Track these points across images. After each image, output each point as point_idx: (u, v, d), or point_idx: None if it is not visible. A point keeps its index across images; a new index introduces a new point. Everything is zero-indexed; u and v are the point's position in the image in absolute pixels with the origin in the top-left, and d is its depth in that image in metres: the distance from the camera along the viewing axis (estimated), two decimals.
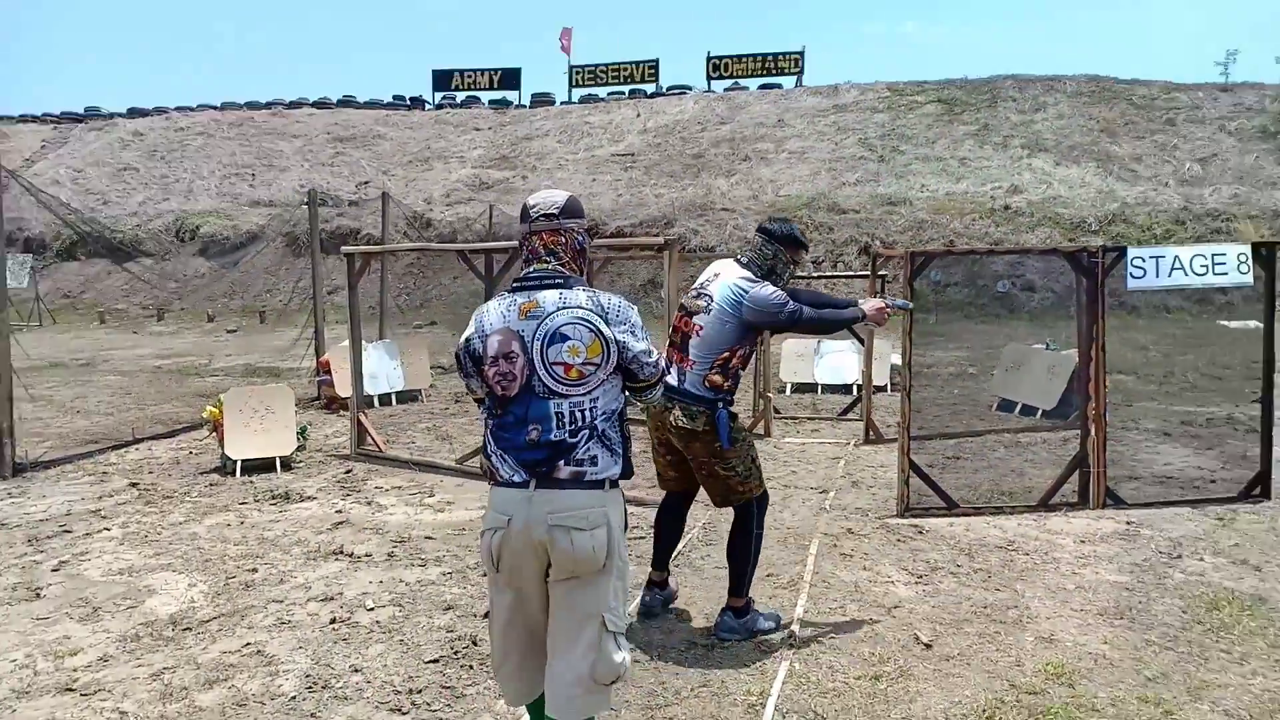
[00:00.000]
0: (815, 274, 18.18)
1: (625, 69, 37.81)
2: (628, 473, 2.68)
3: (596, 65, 38.18)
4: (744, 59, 36.78)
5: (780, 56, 36.77)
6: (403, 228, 21.89)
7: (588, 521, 2.52)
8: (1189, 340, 14.00)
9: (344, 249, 8.08)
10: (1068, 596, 4.23)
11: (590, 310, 2.57)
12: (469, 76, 39.25)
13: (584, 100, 37.26)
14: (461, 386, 11.17)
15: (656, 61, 37.49)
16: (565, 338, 2.53)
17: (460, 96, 38.73)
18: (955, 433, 8.08)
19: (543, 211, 2.69)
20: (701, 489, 4.01)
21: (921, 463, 5.74)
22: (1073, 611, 4.06)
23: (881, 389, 9.53)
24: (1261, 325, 5.88)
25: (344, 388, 9.68)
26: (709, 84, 36.66)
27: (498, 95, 38.80)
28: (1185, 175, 25.72)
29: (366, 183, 26.92)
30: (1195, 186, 24.38)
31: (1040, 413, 8.62)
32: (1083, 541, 5.02)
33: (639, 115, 33.41)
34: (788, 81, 36.25)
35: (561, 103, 37.52)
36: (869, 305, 4.02)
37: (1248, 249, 5.59)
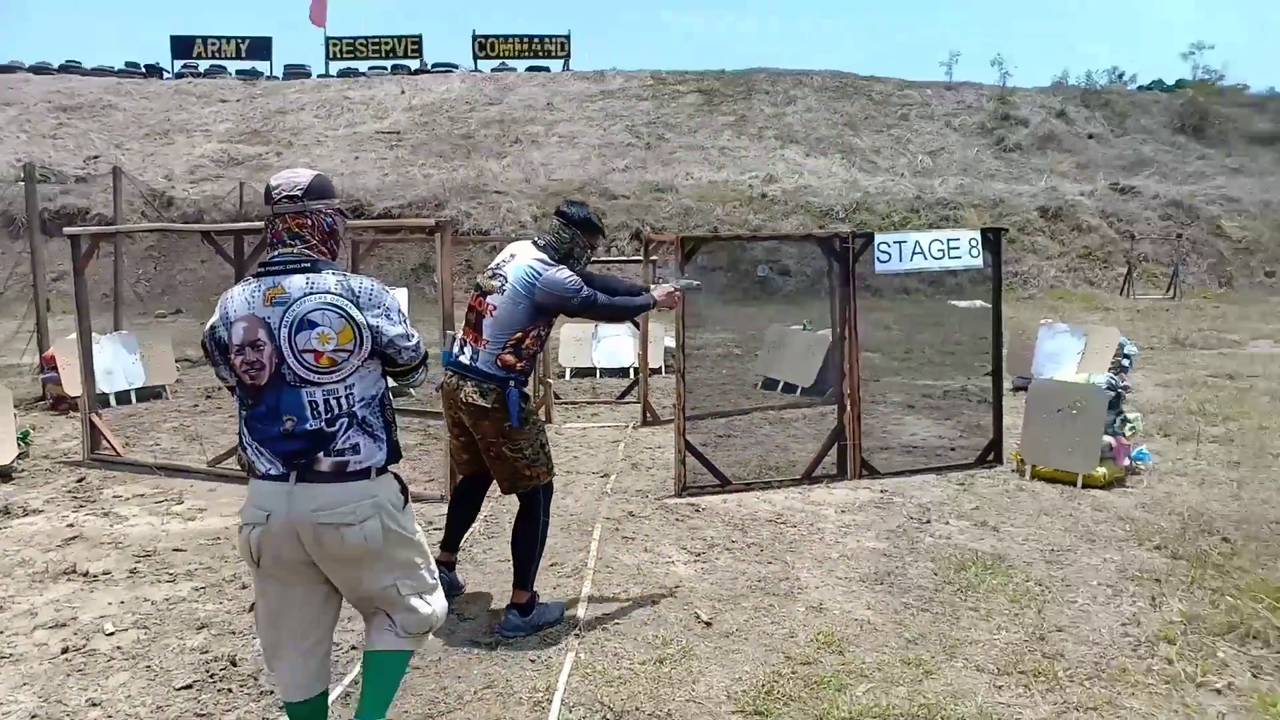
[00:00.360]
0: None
1: (387, 43, 36.37)
2: (394, 456, 2.63)
3: (356, 38, 36.45)
4: (510, 39, 36.37)
5: (547, 39, 36.65)
6: (139, 206, 19.92)
7: (355, 515, 2.48)
8: (926, 319, 15.31)
9: (67, 230, 7.20)
10: (833, 565, 4.47)
11: (340, 295, 2.51)
12: (213, 44, 36.35)
13: (343, 74, 35.49)
14: (213, 380, 10.35)
15: (420, 37, 36.33)
16: (314, 324, 2.47)
17: (204, 66, 35.81)
18: (725, 412, 8.39)
19: (285, 193, 2.58)
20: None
21: (696, 442, 5.89)
22: (838, 580, 4.30)
23: (656, 371, 9.72)
24: (990, 305, 6.48)
25: (73, 385, 8.66)
26: (475, 63, 35.99)
27: (246, 65, 36.19)
28: (918, 167, 28.13)
29: (96, 157, 24.28)
30: (926, 177, 26.70)
31: (800, 389, 9.12)
32: (843, 511, 5.33)
33: (403, 92, 32.27)
34: (555, 65, 36.24)
35: (318, 75, 35.55)
36: (659, 291, 4.14)
37: (978, 234, 6.14)
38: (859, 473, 5.94)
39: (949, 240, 6.07)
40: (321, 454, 2.47)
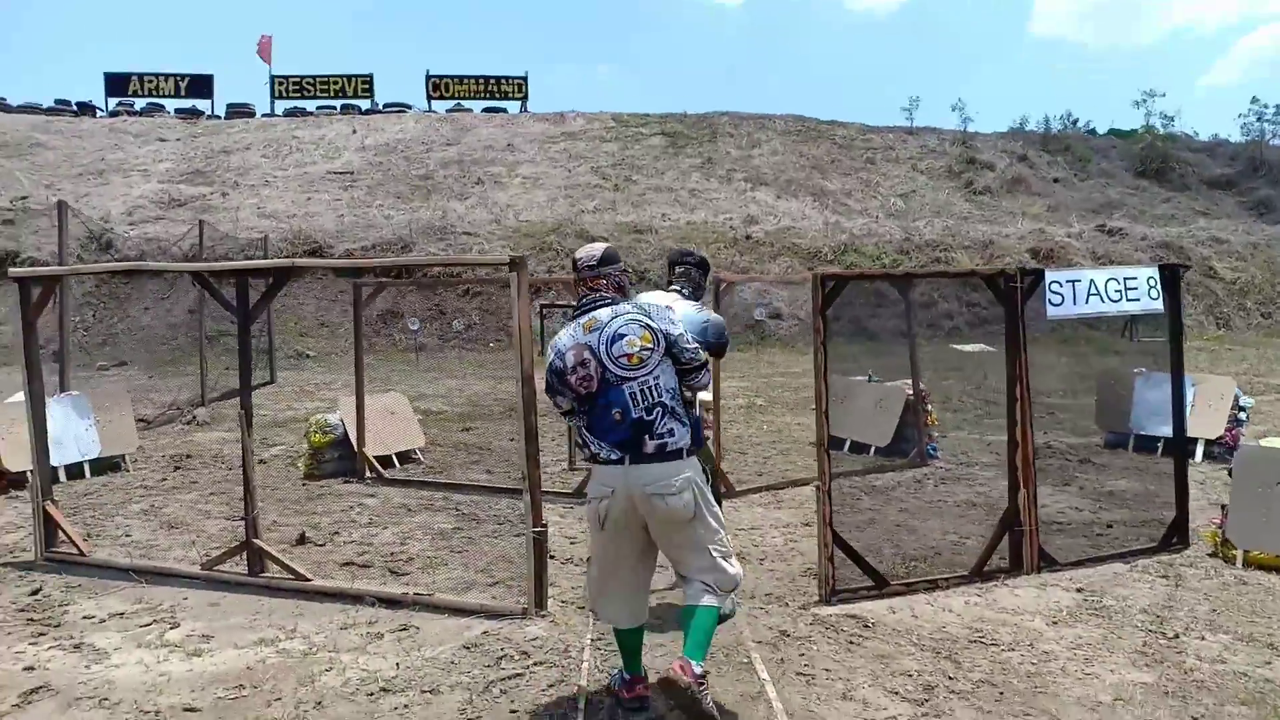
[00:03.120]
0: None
1: (336, 82, 35.03)
2: (698, 440, 3.38)
3: (303, 77, 35.08)
4: (466, 80, 35.39)
5: (504, 80, 35.73)
6: (75, 249, 18.18)
7: (674, 487, 3.22)
8: (987, 364, 14.42)
9: (13, 272, 5.81)
10: (1115, 714, 3.31)
11: (636, 312, 3.36)
12: (150, 81, 34.64)
13: (290, 113, 34.02)
14: (181, 447, 8.87)
15: (371, 76, 35.09)
16: (623, 335, 3.29)
17: (140, 104, 34.00)
18: (798, 480, 7.21)
19: (586, 263, 3.47)
20: None
21: (784, 520, 4.71)
22: None
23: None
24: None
25: (14, 459, 7.17)
26: (429, 103, 34.84)
27: (186, 104, 34.50)
28: (892, 209, 27.65)
29: (24, 198, 22.38)
30: (901, 219, 26.18)
31: (873, 449, 8.02)
32: (1055, 623, 4.18)
33: (355, 132, 30.94)
34: (512, 106, 35.27)
35: (263, 115, 34.02)
36: None
37: (1155, 272, 5.14)
38: (1036, 564, 4.81)
39: (1125, 279, 5.05)
40: (646, 437, 3.21)
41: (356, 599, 4.62)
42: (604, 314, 3.33)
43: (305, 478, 7.60)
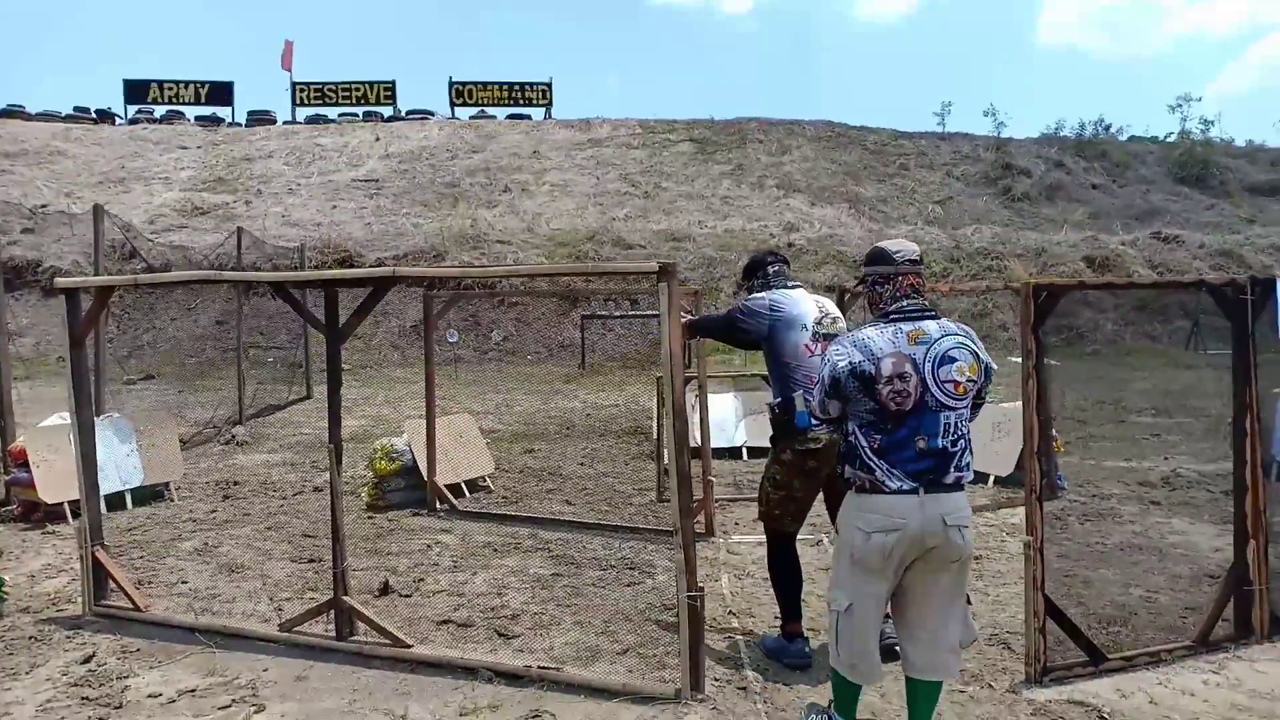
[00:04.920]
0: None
1: (358, 89, 34.56)
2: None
3: (325, 84, 34.63)
4: (490, 86, 34.86)
5: (528, 86, 35.17)
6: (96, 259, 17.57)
7: (970, 520, 3.00)
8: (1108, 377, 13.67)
9: (60, 282, 5.11)
10: None
11: (964, 336, 3.01)
12: (170, 89, 34.22)
13: (311, 120, 33.50)
14: (227, 473, 8.15)
15: (393, 83, 34.56)
16: (953, 359, 2.94)
17: (160, 111, 33.54)
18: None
19: (907, 256, 3.11)
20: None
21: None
22: None
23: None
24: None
25: (50, 490, 6.51)
26: (452, 110, 34.31)
27: (206, 111, 34.09)
28: (930, 216, 26.89)
29: (44, 206, 21.84)
30: (942, 226, 25.44)
31: (991, 479, 7.28)
32: None
33: (378, 139, 30.38)
34: (536, 112, 34.71)
35: (284, 122, 33.51)
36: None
37: None
38: (1266, 631, 4.07)
39: None
40: (951, 468, 2.94)
41: (469, 671, 3.91)
42: (932, 328, 2.97)
43: (369, 508, 6.90)
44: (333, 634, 4.25)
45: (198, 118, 33.49)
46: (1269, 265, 20.90)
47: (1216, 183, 30.82)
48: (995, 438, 7.32)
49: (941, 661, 3.00)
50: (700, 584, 3.68)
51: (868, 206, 27.34)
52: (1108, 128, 36.83)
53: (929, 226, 25.35)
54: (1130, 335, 18.48)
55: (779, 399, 4.01)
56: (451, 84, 34.53)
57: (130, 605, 4.71)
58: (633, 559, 5.53)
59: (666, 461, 5.98)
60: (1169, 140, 34.60)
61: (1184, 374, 14.98)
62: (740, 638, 4.35)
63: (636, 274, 3.87)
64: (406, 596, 4.97)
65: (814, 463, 3.88)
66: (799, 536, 4.20)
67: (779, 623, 4.17)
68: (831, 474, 3.77)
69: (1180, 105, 35.19)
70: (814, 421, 3.60)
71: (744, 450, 8.71)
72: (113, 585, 4.87)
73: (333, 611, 4.26)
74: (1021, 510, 6.54)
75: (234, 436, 10.05)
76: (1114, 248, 21.56)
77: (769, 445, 4.22)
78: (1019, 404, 7.40)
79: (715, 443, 7.32)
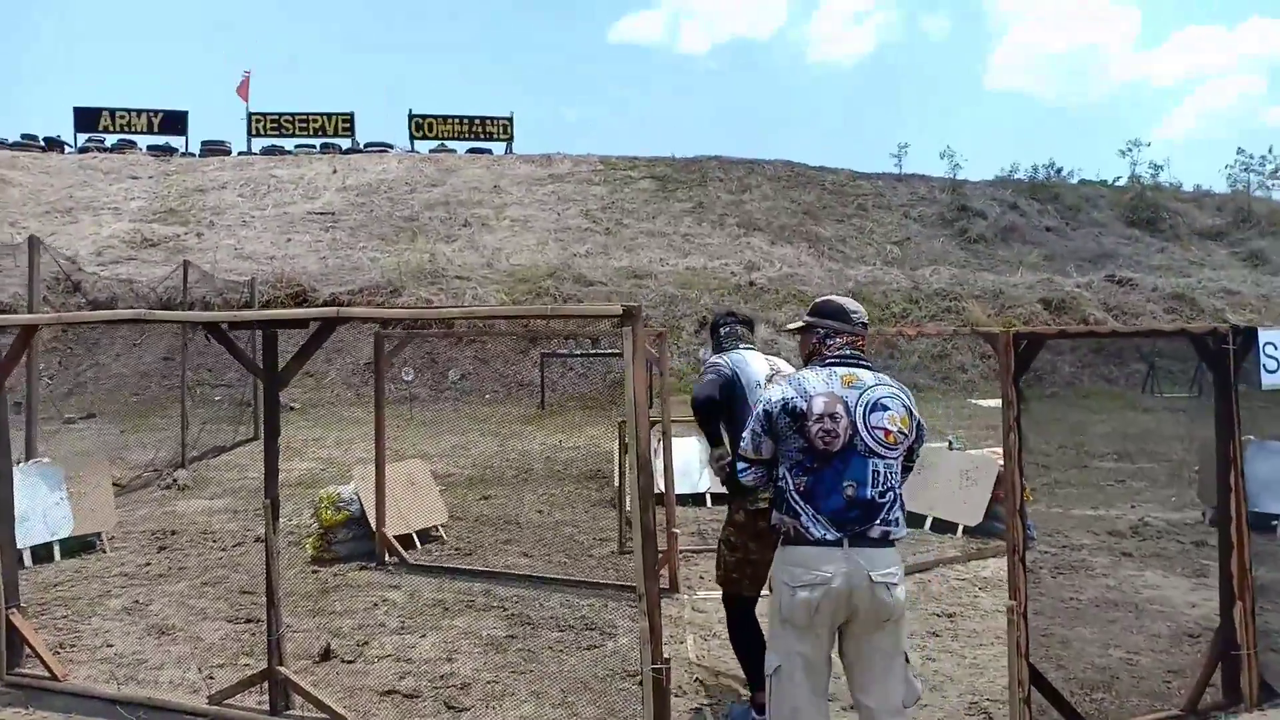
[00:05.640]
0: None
1: (316, 120, 34.15)
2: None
3: (282, 114, 34.14)
4: (450, 120, 34.65)
5: (489, 120, 35.02)
6: (40, 291, 16.96)
7: (898, 577, 2.91)
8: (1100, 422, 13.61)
9: None
10: None
11: (899, 389, 3.07)
12: (122, 117, 33.53)
13: (267, 151, 33.01)
14: (163, 523, 7.71)
15: (351, 115, 34.24)
16: (885, 407, 2.97)
17: (111, 140, 32.85)
18: (922, 564, 6.26)
19: (861, 319, 3.21)
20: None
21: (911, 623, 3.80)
22: None
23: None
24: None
25: None
26: (412, 143, 34.04)
27: (159, 140, 33.43)
28: (888, 256, 27.10)
29: None
30: (900, 267, 25.62)
31: (960, 529, 7.12)
32: None
33: (335, 171, 29.99)
34: (497, 147, 34.57)
35: (239, 153, 32.99)
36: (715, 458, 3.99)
37: None
38: (1256, 698, 3.91)
39: None
40: (876, 522, 2.88)
41: None
42: (867, 376, 3.02)
43: (313, 561, 6.55)
44: (266, 707, 3.93)
45: (150, 147, 32.84)
46: (1220, 309, 21.26)
47: (1167, 227, 31.49)
48: (963, 485, 7.17)
49: None
50: (665, 655, 3.43)
51: (827, 246, 27.48)
52: (1059, 171, 37.56)
53: (887, 267, 25.52)
54: (1088, 377, 18.60)
55: (731, 459, 3.81)
56: (411, 117, 34.28)
57: (47, 674, 4.33)
58: (592, 618, 5.25)
59: (629, 509, 5.73)
60: (1119, 184, 35.35)
61: (1142, 417, 15.06)
62: (706, 705, 4.10)
63: (600, 316, 3.66)
64: (349, 662, 4.64)
65: (764, 523, 3.67)
66: (762, 595, 3.98)
67: (747, 690, 3.93)
68: None
69: (1130, 150, 36.04)
70: (741, 466, 3.25)
71: (708, 497, 8.47)
72: (28, 651, 4.50)
73: (267, 683, 3.94)
74: (991, 562, 6.43)
75: (175, 480, 9.60)
76: (1070, 290, 21.80)
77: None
78: (986, 451, 7.30)
79: (679, 489, 7.04)
